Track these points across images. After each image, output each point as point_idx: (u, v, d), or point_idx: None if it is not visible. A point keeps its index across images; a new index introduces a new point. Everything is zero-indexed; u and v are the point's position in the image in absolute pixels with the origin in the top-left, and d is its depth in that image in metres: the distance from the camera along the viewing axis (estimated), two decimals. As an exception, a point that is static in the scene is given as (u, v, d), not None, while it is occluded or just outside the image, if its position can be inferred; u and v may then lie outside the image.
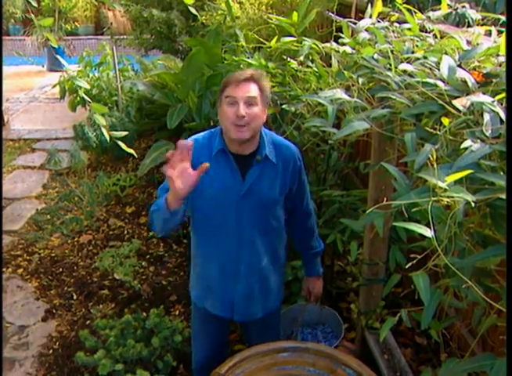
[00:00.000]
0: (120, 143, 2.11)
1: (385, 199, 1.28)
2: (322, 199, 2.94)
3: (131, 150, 2.06)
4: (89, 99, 2.61)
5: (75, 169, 5.18)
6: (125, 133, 2.10)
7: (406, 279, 1.83)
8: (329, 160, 3.04)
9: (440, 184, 1.01)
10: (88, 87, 2.49)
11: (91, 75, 5.88)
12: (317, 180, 3.08)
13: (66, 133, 6.08)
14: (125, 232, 4.29)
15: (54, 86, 5.28)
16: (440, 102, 1.24)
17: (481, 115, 1.15)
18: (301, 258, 2.56)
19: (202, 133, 2.17)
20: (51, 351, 3.17)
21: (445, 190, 1.01)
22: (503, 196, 0.97)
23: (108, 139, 2.12)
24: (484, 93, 1.20)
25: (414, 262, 1.09)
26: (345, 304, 3.01)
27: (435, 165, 1.08)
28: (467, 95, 1.22)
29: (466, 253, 1.13)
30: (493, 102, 1.16)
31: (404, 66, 1.44)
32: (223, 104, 1.99)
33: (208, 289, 2.23)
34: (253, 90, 1.97)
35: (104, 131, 2.01)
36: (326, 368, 1.92)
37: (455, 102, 1.20)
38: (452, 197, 0.99)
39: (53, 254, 4.06)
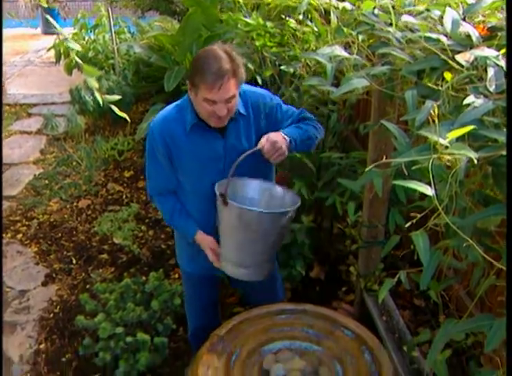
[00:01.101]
0: (114, 107, 2.06)
1: (385, 159, 1.25)
2: (321, 161, 2.91)
3: (124, 114, 2.02)
4: (81, 62, 2.54)
5: (72, 134, 5.13)
6: (119, 97, 2.05)
7: (406, 240, 1.81)
8: (328, 123, 2.99)
9: (441, 141, 0.98)
10: (79, 49, 2.43)
11: (86, 38, 5.77)
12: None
13: (63, 97, 6.00)
14: (124, 196, 4.28)
15: (49, 49, 5.17)
16: (442, 57, 1.19)
17: (485, 70, 1.11)
18: None
19: (167, 109, 2.09)
20: (51, 315, 3.19)
21: (447, 148, 0.97)
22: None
23: (101, 102, 2.07)
24: (488, 47, 1.16)
25: (414, 221, 1.07)
26: (344, 266, 3.01)
27: (437, 122, 1.05)
28: (471, 49, 1.18)
29: (466, 212, 1.11)
30: (498, 56, 1.11)
31: (406, 17, 1.38)
32: (199, 99, 1.89)
33: (197, 252, 2.21)
34: (231, 87, 1.87)
35: (97, 94, 1.96)
36: (325, 330, 1.93)
37: (458, 57, 1.15)
38: (454, 154, 0.96)
39: (52, 219, 4.05)
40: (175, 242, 2.43)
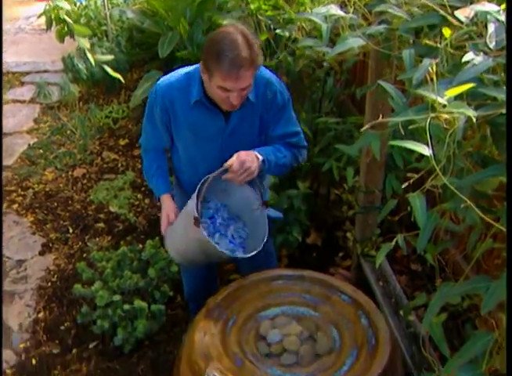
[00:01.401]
0: (107, 68, 2.02)
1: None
2: (318, 127, 2.88)
3: (117, 75, 1.97)
4: (71, 22, 2.48)
5: (66, 102, 5.05)
6: (111, 57, 2.00)
7: (402, 205, 1.79)
8: (324, 87, 2.94)
9: (439, 100, 0.95)
10: (69, 8, 2.36)
11: (78, 4, 5.63)
12: (312, 107, 3.00)
13: (56, 66, 5.89)
14: (119, 164, 4.25)
15: (39, 16, 5.06)
16: (441, 13, 1.15)
17: (485, 26, 1.07)
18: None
19: (176, 74, 2.03)
20: (49, 284, 3.20)
21: (445, 106, 0.95)
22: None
23: (93, 62, 2.02)
24: (489, 2, 1.12)
25: (411, 181, 1.05)
26: (341, 232, 3.01)
27: (435, 81, 1.02)
28: (471, 4, 1.14)
29: (464, 173, 1.08)
30: (499, 11, 1.07)
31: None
32: (213, 85, 1.84)
33: None
34: (248, 77, 1.80)
35: (89, 55, 1.91)
36: (322, 295, 1.92)
37: (457, 12, 1.12)
38: (452, 113, 0.93)
39: (47, 189, 4.02)
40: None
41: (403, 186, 1.01)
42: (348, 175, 2.27)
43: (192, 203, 1.92)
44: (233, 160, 1.88)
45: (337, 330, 1.84)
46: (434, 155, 0.97)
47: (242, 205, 2.12)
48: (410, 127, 0.98)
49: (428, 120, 0.96)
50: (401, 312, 2.35)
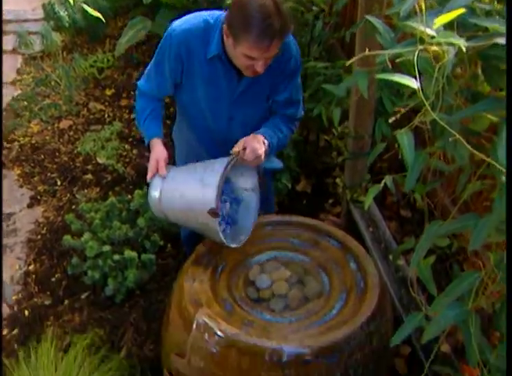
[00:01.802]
0: (86, 7, 1.94)
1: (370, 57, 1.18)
2: (307, 71, 2.81)
3: (97, 13, 1.89)
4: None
5: (49, 52, 4.91)
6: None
7: (392, 148, 1.77)
8: (313, 31, 2.86)
9: (427, 31, 0.91)
10: None
11: None
12: (301, 52, 2.92)
13: (36, 14, 5.68)
14: (106, 115, 4.16)
15: (18, -39, 4.88)
16: None
17: (477, -47, 1.02)
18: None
19: (195, 19, 1.91)
20: (39, 236, 3.18)
21: (433, 38, 0.90)
22: (499, 40, 0.87)
23: (72, 2, 1.94)
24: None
25: (398, 115, 1.01)
26: (331, 179, 2.99)
27: (424, 12, 0.97)
28: None
29: (454, 110, 1.05)
30: None
31: None
32: (237, 52, 1.76)
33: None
34: (276, 47, 1.73)
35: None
36: (310, 240, 1.92)
37: None
38: (441, 44, 0.89)
39: (33, 141, 3.95)
40: (175, 147, 2.39)
41: (390, 121, 0.97)
42: (335, 116, 2.23)
43: (202, 182, 1.83)
44: (240, 147, 1.86)
45: (326, 275, 1.84)
46: (422, 90, 0.93)
47: (239, 188, 2.09)
48: (398, 60, 0.94)
49: (416, 53, 0.92)
50: (390, 257, 2.36)
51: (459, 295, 1.02)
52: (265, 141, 1.91)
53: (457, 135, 0.89)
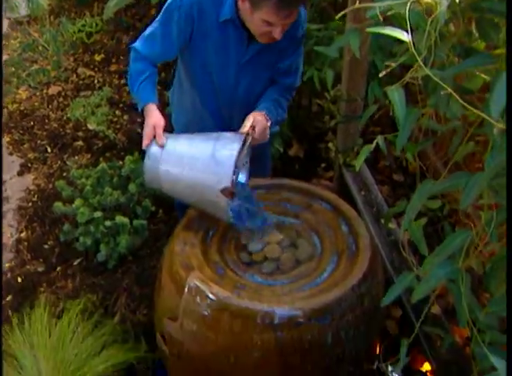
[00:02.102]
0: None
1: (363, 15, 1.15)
2: (298, 34, 2.76)
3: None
4: None
5: (36, 16, 4.81)
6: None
7: (383, 113, 1.75)
8: (305, -8, 2.79)
9: (420, -18, 0.88)
10: None
11: None
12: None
13: (22, -23, 5.58)
14: (95, 81, 4.10)
15: None
16: None
17: None
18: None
19: None
20: (30, 203, 3.16)
21: (426, -12, 0.87)
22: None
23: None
24: None
25: (388, 70, 0.99)
26: (323, 144, 2.97)
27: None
28: None
29: (446, 66, 1.03)
30: None
31: None
32: (255, 18, 1.72)
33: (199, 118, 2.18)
34: (297, 13, 1.72)
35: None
36: (302, 203, 1.91)
37: None
38: (434, -5, 0.86)
39: (22, 108, 3.90)
40: (173, 113, 2.35)
41: (380, 75, 0.95)
42: (328, 78, 2.20)
43: (213, 155, 1.74)
44: (249, 125, 1.85)
45: (317, 237, 1.84)
46: (414, 45, 0.91)
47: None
48: (389, 12, 0.91)
49: (408, 5, 0.89)
50: (382, 221, 2.36)
51: (450, 254, 1.01)
52: (268, 120, 1.92)
53: (450, 90, 0.87)
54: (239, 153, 1.72)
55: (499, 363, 0.70)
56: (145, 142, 1.83)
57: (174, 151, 1.80)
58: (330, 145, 2.71)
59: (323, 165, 3.03)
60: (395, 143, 1.13)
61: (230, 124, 2.12)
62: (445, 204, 2.10)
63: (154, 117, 1.85)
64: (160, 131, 1.82)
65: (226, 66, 1.99)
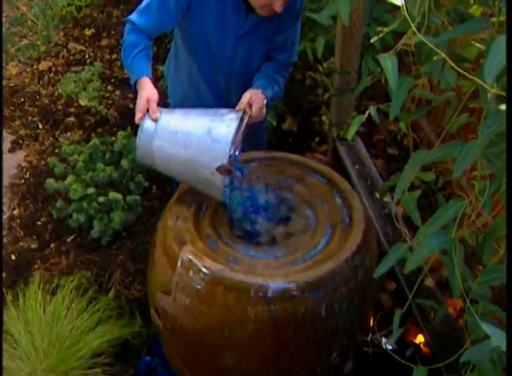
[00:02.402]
0: None
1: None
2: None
3: None
4: None
5: (23, -10, 4.72)
6: None
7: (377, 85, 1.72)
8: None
9: None
10: None
11: None
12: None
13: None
14: (86, 56, 4.04)
15: None
16: None
17: None
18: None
19: None
20: (22, 180, 3.14)
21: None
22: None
23: None
24: None
25: (380, 35, 0.96)
26: (317, 118, 2.94)
27: None
28: None
29: (441, 32, 1.01)
30: None
31: None
32: None
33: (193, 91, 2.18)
34: None
35: None
36: (295, 175, 1.89)
37: None
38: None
39: (12, 84, 3.84)
40: (169, 82, 2.34)
41: (372, 41, 0.93)
42: (318, 46, 2.18)
43: (210, 133, 1.69)
44: (245, 103, 1.83)
45: (311, 210, 1.83)
46: (407, 9, 0.89)
47: None
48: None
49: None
50: (376, 194, 2.35)
51: (443, 224, 1.00)
52: (264, 99, 1.92)
53: (444, 56, 0.85)
54: (237, 130, 1.69)
55: (492, 331, 0.70)
56: (138, 116, 1.77)
57: (168, 126, 1.75)
58: (324, 118, 2.69)
59: (317, 139, 3.01)
60: (388, 110, 1.11)
61: (228, 98, 2.10)
62: (438, 176, 2.10)
63: (148, 91, 1.79)
64: (154, 104, 1.76)
65: (224, 37, 1.97)
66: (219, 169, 1.66)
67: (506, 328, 0.75)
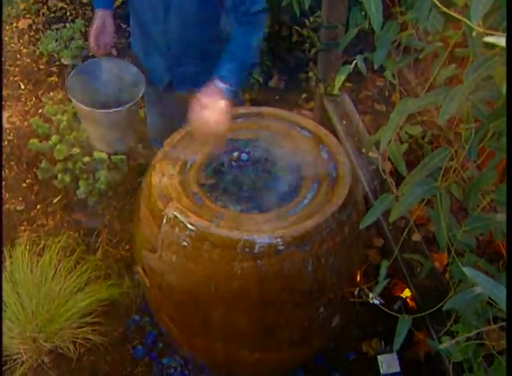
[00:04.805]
0: None
1: None
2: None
3: None
4: None
5: None
6: None
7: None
8: None
9: None
10: None
11: None
12: None
13: None
14: (68, 13, 3.92)
15: None
16: None
17: None
18: None
19: None
20: (6, 142, 3.08)
21: None
22: None
23: None
24: None
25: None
26: (304, 75, 2.90)
27: None
28: None
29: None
30: None
31: None
32: None
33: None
34: None
35: None
36: (281, 130, 1.86)
37: None
38: None
39: (-8, 45, 3.74)
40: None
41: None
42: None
43: None
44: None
45: (297, 165, 1.80)
46: None
47: None
48: None
49: None
50: (363, 150, 2.33)
51: (428, 173, 0.99)
52: (222, 88, 1.73)
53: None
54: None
55: (475, 275, 0.69)
56: (92, 45, 2.03)
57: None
58: (311, 74, 2.64)
59: (304, 96, 2.96)
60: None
61: (179, 63, 2.05)
62: (426, 131, 2.08)
63: (92, 25, 1.99)
64: (91, 39, 1.99)
65: (152, 22, 1.96)
66: None
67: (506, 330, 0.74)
